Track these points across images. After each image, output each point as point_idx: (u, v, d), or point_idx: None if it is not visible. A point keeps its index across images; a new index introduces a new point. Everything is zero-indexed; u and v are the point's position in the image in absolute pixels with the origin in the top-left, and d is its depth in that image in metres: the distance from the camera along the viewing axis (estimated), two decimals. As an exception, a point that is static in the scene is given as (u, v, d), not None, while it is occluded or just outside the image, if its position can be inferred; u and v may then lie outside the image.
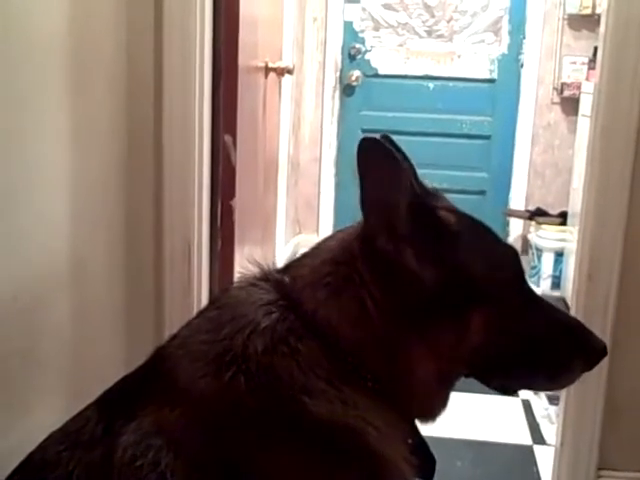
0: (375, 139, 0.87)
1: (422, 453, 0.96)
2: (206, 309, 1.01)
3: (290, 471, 0.86)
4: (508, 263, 0.98)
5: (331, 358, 0.89)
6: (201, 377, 0.88)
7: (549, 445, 2.38)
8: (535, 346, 0.97)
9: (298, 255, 1.02)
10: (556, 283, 4.19)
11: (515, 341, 0.96)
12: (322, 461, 0.86)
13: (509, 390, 1.06)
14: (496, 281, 0.95)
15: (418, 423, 0.98)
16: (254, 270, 0.98)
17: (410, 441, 0.94)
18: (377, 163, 0.87)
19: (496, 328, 0.93)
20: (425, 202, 0.93)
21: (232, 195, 2.03)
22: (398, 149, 0.93)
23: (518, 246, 4.65)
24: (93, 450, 0.85)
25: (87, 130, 1.69)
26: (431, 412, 0.97)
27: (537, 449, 2.46)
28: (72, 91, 1.63)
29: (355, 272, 0.92)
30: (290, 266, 0.99)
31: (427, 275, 0.90)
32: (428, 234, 0.91)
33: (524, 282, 1.00)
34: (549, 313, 1.01)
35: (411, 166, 0.97)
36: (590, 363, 1.00)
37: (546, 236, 4.26)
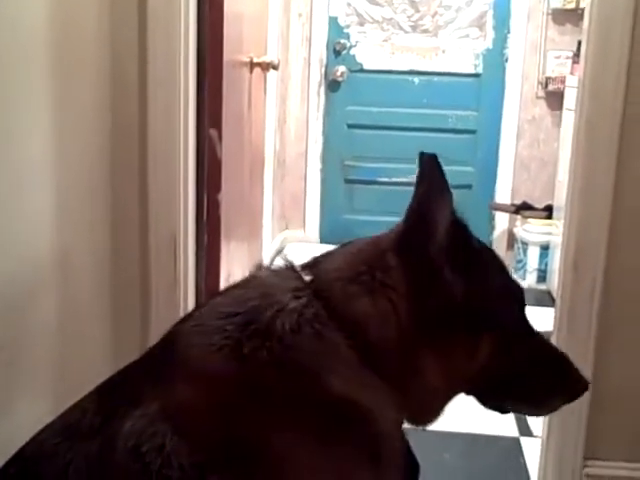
0: (434, 155, 0.93)
1: (407, 457, 0.99)
2: (226, 290, 1.02)
3: (304, 450, 0.86)
4: (518, 295, 1.05)
5: (354, 349, 0.91)
6: (217, 350, 0.87)
7: (536, 437, 2.39)
8: (526, 376, 1.04)
9: (323, 253, 1.04)
10: (542, 277, 4.21)
11: (513, 367, 1.02)
12: (337, 443, 0.87)
13: (502, 410, 1.12)
14: (508, 310, 1.02)
15: (409, 425, 1.01)
16: (279, 262, 1.00)
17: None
18: (432, 178, 0.93)
19: (501, 353, 0.99)
20: (462, 223, 0.99)
21: (218, 189, 2.02)
22: (440, 166, 0.97)
23: (504, 240, 4.68)
24: (92, 440, 0.83)
25: (71, 124, 1.68)
26: (425, 420, 1.02)
27: (524, 441, 2.48)
28: (55, 86, 1.62)
29: (390, 275, 0.95)
30: (317, 261, 1.01)
31: (458, 289, 0.95)
32: (462, 253, 0.97)
33: (525, 316, 1.06)
34: (543, 346, 1.09)
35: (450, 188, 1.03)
36: (571, 397, 1.09)
37: (532, 230, 4.29)
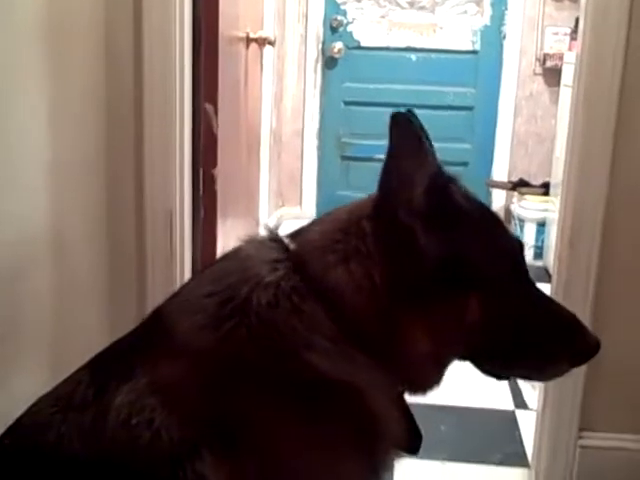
0: (407, 115, 0.89)
1: (409, 428, 0.98)
2: (211, 264, 1.02)
3: (287, 426, 0.86)
4: (510, 253, 1.00)
5: (333, 321, 0.90)
6: (200, 329, 0.88)
7: (531, 410, 2.41)
8: (528, 336, 0.99)
9: (309, 222, 1.03)
10: (538, 253, 4.22)
11: (509, 329, 0.97)
12: (320, 417, 0.87)
13: (500, 376, 1.08)
14: (496, 268, 0.97)
15: (408, 396, 0.99)
16: (263, 233, 0.99)
17: (400, 412, 0.96)
18: (405, 139, 0.89)
19: (492, 313, 0.95)
20: (442, 183, 0.95)
21: (214, 164, 2.02)
22: (422, 127, 0.94)
23: (500, 217, 4.68)
24: (85, 412, 0.85)
25: (65, 99, 1.67)
26: (422, 386, 0.99)
27: (519, 413, 2.50)
28: (49, 60, 1.61)
29: (365, 242, 0.93)
30: (300, 231, 1.00)
31: (433, 251, 0.92)
32: (440, 213, 0.93)
33: (525, 274, 1.02)
34: (546, 306, 1.03)
35: (431, 146, 0.99)
36: (580, 359, 1.02)
37: (528, 206, 4.29)
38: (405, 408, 0.98)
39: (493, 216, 1.02)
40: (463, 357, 1.01)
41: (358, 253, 0.92)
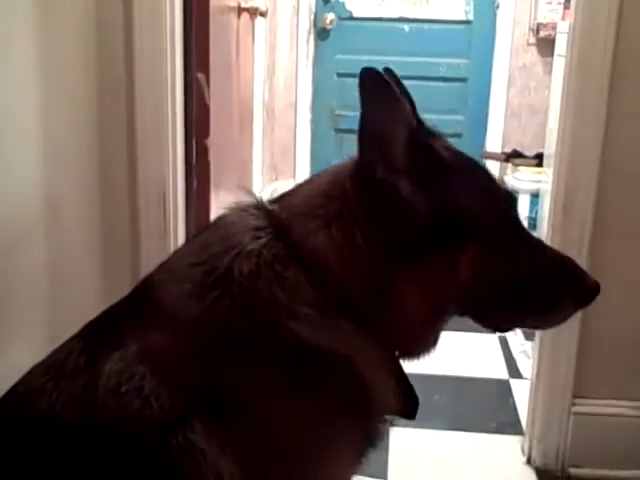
0: (375, 70, 0.87)
1: (406, 393, 0.97)
2: (197, 233, 1.02)
3: (275, 395, 0.86)
4: (500, 202, 0.98)
5: (317, 288, 0.89)
6: (186, 299, 0.89)
7: (525, 379, 2.43)
8: (526, 284, 0.98)
9: (293, 186, 1.02)
10: (532, 224, 4.21)
11: (506, 278, 0.96)
12: (308, 385, 0.87)
13: (502, 328, 1.09)
14: (487, 217, 0.95)
15: (403, 361, 0.98)
16: (248, 199, 0.98)
17: (395, 377, 0.96)
18: (376, 94, 0.87)
19: (486, 264, 0.94)
20: (423, 136, 0.93)
21: (207, 134, 2.00)
22: (399, 83, 0.92)
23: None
24: (77, 379, 0.85)
25: (56, 71, 1.66)
26: (418, 349, 0.98)
27: (513, 383, 2.52)
28: (40, 34, 1.59)
29: (347, 204, 0.92)
30: (283, 196, 0.99)
31: (420, 206, 0.90)
32: (423, 167, 0.91)
33: (517, 222, 1.01)
34: (542, 252, 1.02)
35: (411, 102, 0.98)
36: (582, 302, 1.02)
37: (522, 178, 4.28)
38: (401, 374, 0.97)
39: (480, 168, 1.01)
40: (463, 313, 1.00)
41: (340, 217, 0.91)
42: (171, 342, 0.86)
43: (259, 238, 0.91)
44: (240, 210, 0.97)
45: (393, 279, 0.91)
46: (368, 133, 0.89)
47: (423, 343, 0.98)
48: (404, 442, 2.01)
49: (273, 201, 0.99)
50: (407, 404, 0.98)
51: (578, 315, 1.87)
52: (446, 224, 0.91)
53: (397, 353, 0.98)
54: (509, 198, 1.01)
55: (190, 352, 0.86)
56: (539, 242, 1.03)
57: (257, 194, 0.99)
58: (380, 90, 0.87)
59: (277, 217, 0.94)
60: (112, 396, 0.82)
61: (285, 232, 0.92)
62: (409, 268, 0.91)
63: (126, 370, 0.83)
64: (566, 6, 4.21)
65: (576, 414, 1.95)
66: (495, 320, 1.03)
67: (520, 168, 4.32)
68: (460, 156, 0.98)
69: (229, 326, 0.87)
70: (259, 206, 0.97)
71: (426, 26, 4.67)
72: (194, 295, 0.88)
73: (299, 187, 1.01)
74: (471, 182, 0.97)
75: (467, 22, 4.67)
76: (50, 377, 0.87)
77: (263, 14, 3.12)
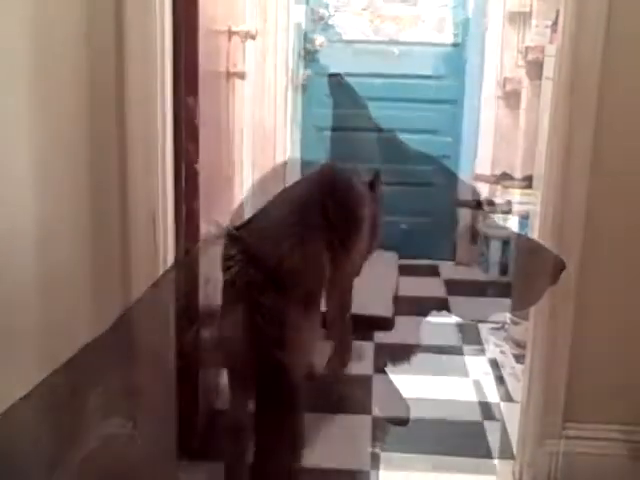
0: (340, 74, 0.89)
1: (398, 400, 0.99)
2: (168, 271, 1.03)
3: None
4: None
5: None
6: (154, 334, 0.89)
7: (516, 402, 2.42)
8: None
9: (256, 211, 1.03)
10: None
11: None
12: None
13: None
14: None
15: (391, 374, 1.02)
16: (214, 230, 0.99)
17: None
18: (343, 92, 0.92)
19: None
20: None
21: (196, 158, 2.00)
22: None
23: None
24: None
25: (47, 95, 1.66)
26: None
27: (504, 406, 2.51)
28: (31, 57, 1.59)
29: (318, 219, 0.93)
30: (252, 219, 1.00)
31: None
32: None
33: None
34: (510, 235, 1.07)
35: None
36: (552, 278, 1.07)
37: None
38: (391, 384, 1.02)
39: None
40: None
41: (312, 234, 0.94)
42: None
43: (229, 268, 1.04)
44: (207, 243, 0.99)
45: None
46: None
47: None
48: (395, 466, 1.99)
49: (240, 227, 1.00)
50: (399, 412, 1.02)
51: (568, 339, 1.89)
52: None
53: None
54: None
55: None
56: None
57: (224, 224, 1.01)
58: (345, 89, 0.93)
59: (247, 243, 1.03)
60: None
61: (256, 257, 1.01)
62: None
63: None
64: (554, 29, 4.24)
65: (567, 437, 1.94)
66: None
67: (510, 190, 4.34)
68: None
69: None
70: (227, 234, 0.99)
71: (416, 49, 4.70)
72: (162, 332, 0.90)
73: (267, 208, 1.04)
74: None
75: (456, 45, 4.70)
76: None
77: (253, 36, 3.12)
